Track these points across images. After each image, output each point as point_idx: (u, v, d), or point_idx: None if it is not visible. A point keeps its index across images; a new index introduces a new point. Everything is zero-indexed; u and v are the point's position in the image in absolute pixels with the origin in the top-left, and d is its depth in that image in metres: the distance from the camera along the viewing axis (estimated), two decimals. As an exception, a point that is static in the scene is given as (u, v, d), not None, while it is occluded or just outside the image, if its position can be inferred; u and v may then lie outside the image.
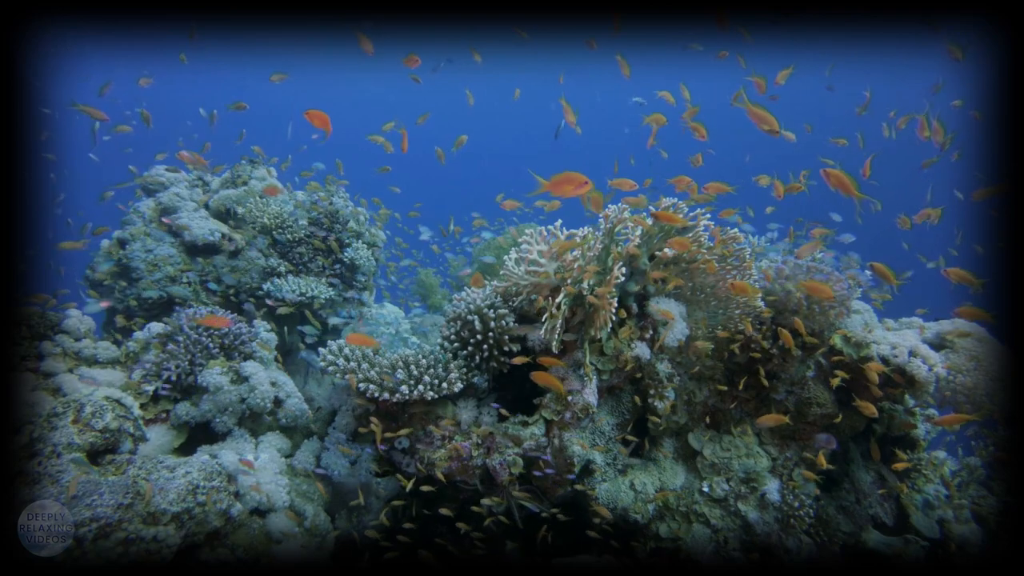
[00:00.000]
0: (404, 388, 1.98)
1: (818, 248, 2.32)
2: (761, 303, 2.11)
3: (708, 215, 2.06)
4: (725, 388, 2.16)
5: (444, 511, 1.95)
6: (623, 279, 1.92)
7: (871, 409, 1.99)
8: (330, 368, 2.10)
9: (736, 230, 2.10)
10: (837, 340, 2.18)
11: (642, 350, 2.01)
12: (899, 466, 2.17)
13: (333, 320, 3.05)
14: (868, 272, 2.38)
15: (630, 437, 2.07)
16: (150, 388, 2.12)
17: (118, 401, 1.93)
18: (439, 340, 2.20)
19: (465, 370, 2.09)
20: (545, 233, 2.10)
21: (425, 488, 1.98)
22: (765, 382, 2.11)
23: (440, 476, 1.95)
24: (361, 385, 2.03)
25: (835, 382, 2.09)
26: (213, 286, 2.83)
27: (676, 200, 2.06)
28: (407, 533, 1.97)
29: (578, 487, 1.98)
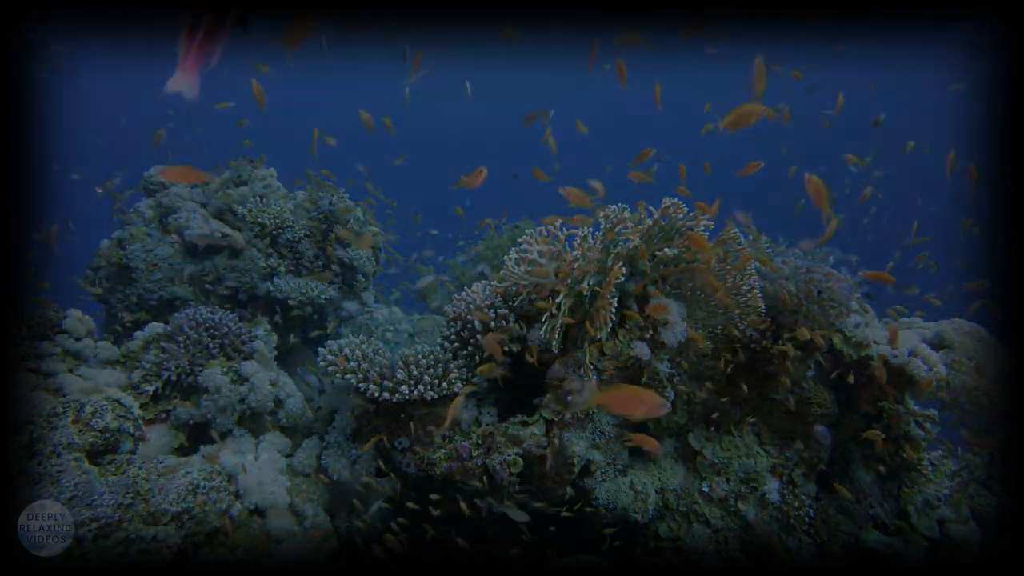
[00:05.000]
0: (404, 388, 1.98)
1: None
2: (760, 303, 2.11)
3: (708, 217, 2.06)
4: (725, 388, 2.16)
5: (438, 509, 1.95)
6: (623, 279, 1.92)
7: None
8: (330, 368, 2.10)
9: (735, 230, 2.10)
10: (837, 340, 2.18)
11: (642, 350, 2.01)
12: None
13: (333, 320, 3.05)
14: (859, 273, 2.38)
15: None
16: (150, 388, 2.12)
17: (118, 401, 1.93)
18: (439, 340, 2.20)
19: (465, 370, 2.09)
20: (545, 233, 2.10)
21: (424, 488, 1.98)
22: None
23: (439, 476, 1.95)
24: (361, 385, 2.03)
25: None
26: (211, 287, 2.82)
27: (676, 200, 2.06)
28: (405, 532, 1.97)
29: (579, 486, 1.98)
